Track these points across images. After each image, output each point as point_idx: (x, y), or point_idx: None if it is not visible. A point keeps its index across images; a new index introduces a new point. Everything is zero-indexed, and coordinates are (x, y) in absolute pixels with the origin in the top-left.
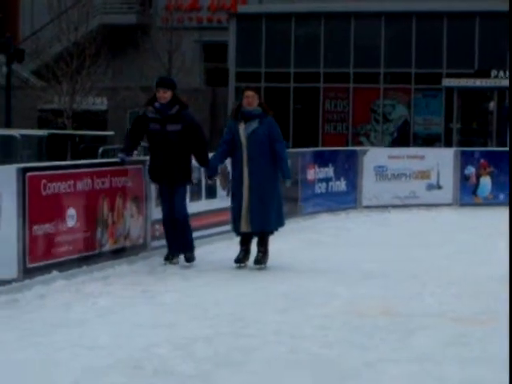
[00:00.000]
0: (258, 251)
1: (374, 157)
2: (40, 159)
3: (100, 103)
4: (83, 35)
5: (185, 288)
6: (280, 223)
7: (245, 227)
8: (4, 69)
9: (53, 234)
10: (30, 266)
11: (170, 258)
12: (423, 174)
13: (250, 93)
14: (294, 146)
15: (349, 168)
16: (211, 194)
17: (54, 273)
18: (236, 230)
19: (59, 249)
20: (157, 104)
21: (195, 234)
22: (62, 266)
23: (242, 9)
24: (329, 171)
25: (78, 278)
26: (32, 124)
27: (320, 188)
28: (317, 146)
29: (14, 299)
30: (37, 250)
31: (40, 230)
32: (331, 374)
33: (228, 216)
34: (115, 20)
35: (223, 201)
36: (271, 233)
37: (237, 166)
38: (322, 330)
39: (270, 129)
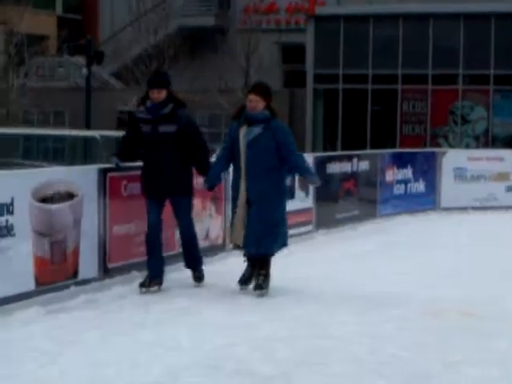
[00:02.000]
0: (259, 274)
1: (454, 158)
2: None
3: None
4: (162, 37)
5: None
6: (282, 243)
7: (238, 240)
8: (84, 71)
9: (133, 234)
10: (110, 266)
11: (146, 284)
12: (502, 176)
13: (252, 97)
14: (372, 148)
15: (427, 169)
16: (290, 195)
17: (134, 273)
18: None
19: (139, 249)
20: (148, 103)
21: None
22: (142, 267)
23: (319, 10)
24: (407, 173)
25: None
26: (111, 125)
27: (398, 189)
28: (394, 147)
29: (94, 299)
30: (117, 250)
31: (120, 230)
32: (410, 375)
33: (307, 217)
34: (194, 22)
35: (302, 202)
36: (271, 255)
37: (235, 176)
38: (401, 331)
39: (276, 136)
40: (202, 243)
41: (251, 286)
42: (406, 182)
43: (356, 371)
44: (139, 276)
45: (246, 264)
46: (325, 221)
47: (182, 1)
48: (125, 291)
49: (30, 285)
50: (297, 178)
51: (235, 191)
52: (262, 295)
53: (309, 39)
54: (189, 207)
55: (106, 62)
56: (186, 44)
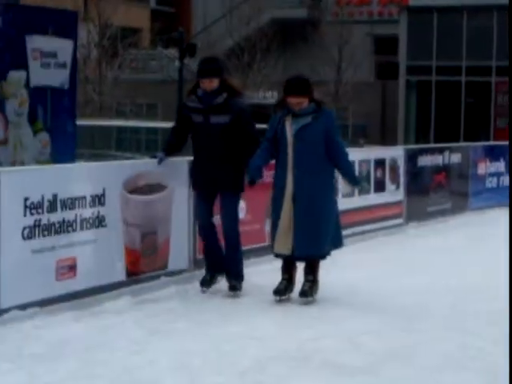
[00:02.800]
0: (305, 280)
1: None
2: None
3: (270, 97)
4: (254, 30)
5: (355, 280)
6: (337, 244)
7: (281, 248)
8: (176, 63)
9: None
10: (199, 257)
11: (208, 281)
12: None
13: (294, 100)
14: (465, 140)
15: None
16: (380, 187)
17: None
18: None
19: None
20: (199, 91)
21: (367, 227)
22: None
23: (413, 2)
24: (500, 166)
25: (247, 269)
26: None
27: (491, 182)
28: (488, 140)
29: (183, 290)
30: None
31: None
32: (500, 372)
33: (397, 210)
34: (286, 14)
35: (392, 195)
36: (323, 257)
37: (280, 172)
38: (490, 326)
39: (327, 124)
40: None
41: (290, 294)
42: (498, 175)
43: (444, 364)
44: None
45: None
46: (415, 214)
47: None
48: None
49: (122, 275)
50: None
51: (278, 189)
52: (307, 303)
53: (402, 31)
54: (235, 204)
55: (199, 55)
56: (278, 36)
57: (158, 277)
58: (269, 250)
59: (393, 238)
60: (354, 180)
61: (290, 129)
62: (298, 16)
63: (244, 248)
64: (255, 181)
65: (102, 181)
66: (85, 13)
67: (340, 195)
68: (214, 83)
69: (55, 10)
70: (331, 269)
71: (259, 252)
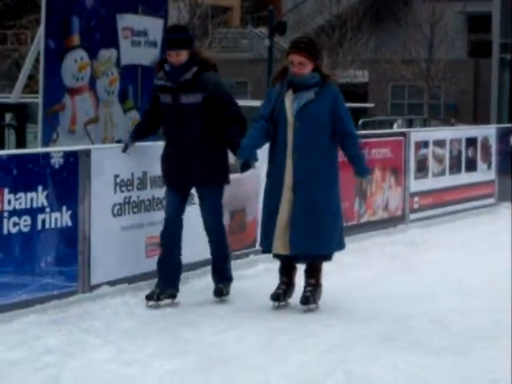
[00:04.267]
0: (307, 285)
1: None
2: None
3: (361, 76)
4: (345, 8)
5: (445, 260)
6: (340, 245)
7: (280, 247)
8: (266, 41)
9: None
10: None
11: (154, 296)
12: None
13: (296, 57)
14: None
15: None
16: (471, 167)
17: None
18: (265, 247)
19: None
20: (167, 66)
21: (456, 208)
22: None
23: None
24: None
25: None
26: None
27: None
28: None
29: (272, 268)
30: None
31: None
32: None
33: (489, 190)
34: None
35: (484, 174)
36: (327, 258)
37: (276, 156)
38: None
39: (333, 101)
40: (381, 214)
41: (289, 300)
42: None
43: None
44: None
45: (278, 276)
46: (507, 194)
47: None
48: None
49: (207, 253)
50: None
51: (275, 177)
52: (309, 311)
53: (495, 8)
54: (217, 198)
55: (289, 33)
56: (369, 14)
57: (246, 255)
58: (360, 227)
59: (484, 218)
60: (362, 169)
61: (290, 106)
62: None
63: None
64: (250, 164)
65: None
66: None
67: (430, 174)
68: (181, 56)
69: None
70: (425, 249)
71: (348, 231)
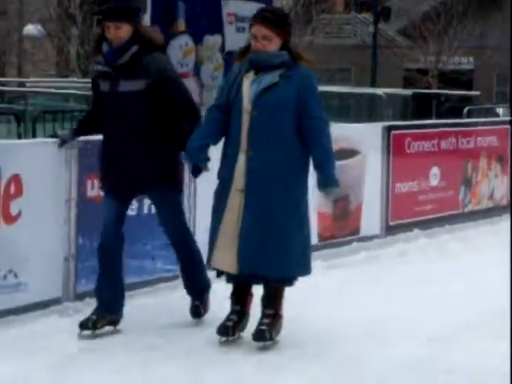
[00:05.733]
0: (263, 316)
1: None
2: (404, 118)
3: (466, 63)
4: None
5: None
6: (304, 267)
7: (225, 264)
8: (371, 28)
9: (416, 192)
10: (391, 223)
11: (90, 323)
12: None
13: (258, 29)
14: None
15: None
16: None
17: (416, 231)
18: (209, 262)
19: (422, 207)
20: (105, 47)
21: None
22: (424, 224)
23: None
24: None
25: (439, 237)
26: (397, 83)
27: None
28: None
29: (375, 255)
30: (399, 207)
31: (403, 188)
32: None
33: None
34: None
35: None
36: (287, 282)
37: (228, 154)
38: None
39: (302, 87)
40: (486, 203)
41: (241, 333)
42: None
43: None
44: (422, 234)
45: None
46: None
47: None
48: (407, 248)
49: (314, 239)
50: None
51: (224, 178)
52: (265, 348)
53: None
54: (175, 201)
55: (393, 20)
56: (475, 1)
57: (349, 242)
58: (464, 216)
59: None
60: (327, 178)
61: (247, 90)
62: None
63: (440, 215)
64: (201, 168)
65: None
66: None
67: None
68: (122, 31)
69: None
70: None
71: (452, 220)
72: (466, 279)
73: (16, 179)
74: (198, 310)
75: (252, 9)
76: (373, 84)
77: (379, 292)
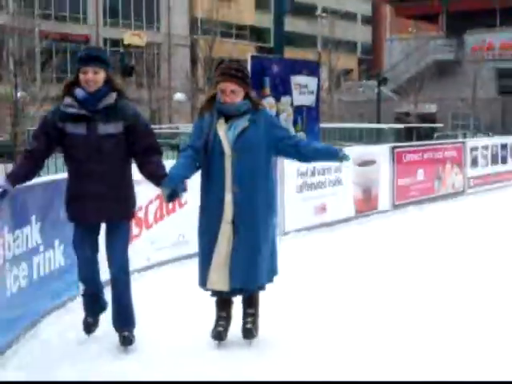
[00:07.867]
0: (246, 315)
1: None
2: (399, 141)
3: (433, 108)
4: (423, 66)
5: None
6: (273, 272)
7: (218, 283)
8: (375, 90)
9: (410, 184)
10: (396, 203)
11: (92, 324)
12: None
13: (227, 85)
14: None
15: None
16: (504, 161)
17: (411, 207)
18: (203, 283)
19: (413, 193)
20: (79, 92)
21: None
22: (415, 203)
23: None
24: None
25: (424, 210)
26: (392, 121)
27: None
28: None
29: (387, 223)
30: (401, 193)
31: (402, 182)
32: None
33: None
34: (442, 57)
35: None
36: (262, 288)
37: (211, 190)
38: None
39: (268, 124)
40: (450, 190)
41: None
42: None
43: None
44: (414, 209)
45: (216, 311)
46: None
47: (434, 44)
48: (406, 217)
49: (352, 212)
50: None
51: (212, 212)
52: (252, 343)
53: None
54: (127, 234)
55: (389, 84)
56: (436, 71)
57: (372, 214)
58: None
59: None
60: (335, 150)
61: (225, 137)
62: (448, 58)
63: (424, 197)
64: (178, 193)
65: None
66: (320, 61)
67: (479, 165)
68: (99, 76)
69: (306, 61)
70: None
71: (432, 200)
72: (436, 231)
73: None
74: (129, 339)
75: (308, 80)
76: (378, 122)
77: (391, 238)
